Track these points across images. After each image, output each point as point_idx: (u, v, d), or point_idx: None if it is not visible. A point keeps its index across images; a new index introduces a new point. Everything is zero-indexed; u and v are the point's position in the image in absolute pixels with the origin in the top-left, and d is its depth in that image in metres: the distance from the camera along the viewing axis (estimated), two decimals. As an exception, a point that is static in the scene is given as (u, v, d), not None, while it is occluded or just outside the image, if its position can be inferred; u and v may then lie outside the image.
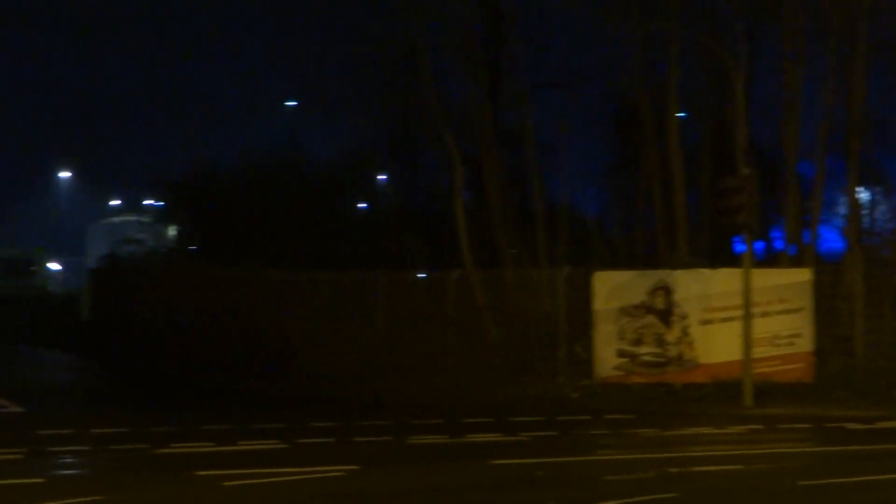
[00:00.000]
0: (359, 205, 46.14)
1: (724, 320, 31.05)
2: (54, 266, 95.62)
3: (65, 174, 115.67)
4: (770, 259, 35.10)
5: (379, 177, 46.19)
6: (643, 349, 31.64)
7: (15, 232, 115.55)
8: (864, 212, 36.44)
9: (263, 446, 22.93)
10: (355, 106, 37.54)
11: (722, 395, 29.95)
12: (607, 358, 31.89)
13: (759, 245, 34.53)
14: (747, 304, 29.47)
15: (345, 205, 44.37)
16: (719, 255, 33.49)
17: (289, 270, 37.90)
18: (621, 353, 31.84)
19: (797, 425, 26.37)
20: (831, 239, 36.43)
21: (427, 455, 22.33)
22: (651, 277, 31.95)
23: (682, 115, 35.50)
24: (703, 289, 31.61)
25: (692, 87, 36.23)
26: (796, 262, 33.00)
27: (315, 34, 37.55)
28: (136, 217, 78.93)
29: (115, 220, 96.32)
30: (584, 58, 37.37)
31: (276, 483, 18.86)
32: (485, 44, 36.94)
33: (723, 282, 31.18)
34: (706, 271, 31.81)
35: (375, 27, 36.48)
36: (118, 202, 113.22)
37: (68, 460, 21.70)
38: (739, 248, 31.19)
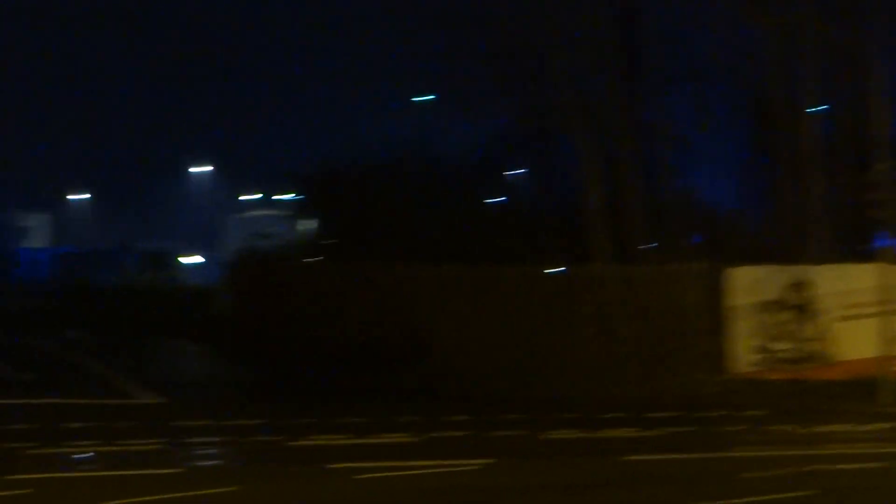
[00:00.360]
0: (492, 199, 46.03)
1: (863, 317, 30.51)
2: (191, 260, 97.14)
3: (202, 169, 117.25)
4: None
5: (512, 171, 46.03)
6: (779, 345, 31.24)
7: (154, 226, 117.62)
8: None
9: (397, 440, 23.03)
10: (489, 100, 37.50)
11: (858, 392, 29.46)
12: (743, 353, 31.53)
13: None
14: (885, 301, 28.93)
15: (478, 199, 44.28)
16: (855, 251, 32.90)
17: (422, 265, 37.94)
18: (757, 349, 31.47)
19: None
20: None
21: (561, 450, 22.25)
22: (789, 273, 31.52)
23: (818, 108, 34.91)
24: (842, 285, 31.10)
25: (828, 79, 35.58)
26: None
27: (450, 29, 37.56)
28: (270, 211, 79.89)
29: (251, 214, 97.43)
30: (718, 51, 36.87)
31: (409, 476, 18.94)
32: (619, 38, 36.64)
33: (862, 278, 30.64)
34: (846, 267, 31.29)
35: (510, 22, 36.37)
36: (253, 197, 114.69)
37: (206, 451, 21.99)
38: (879, 243, 30.62)
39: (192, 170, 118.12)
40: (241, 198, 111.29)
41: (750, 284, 32.04)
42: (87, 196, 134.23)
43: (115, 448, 21.60)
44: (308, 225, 50.26)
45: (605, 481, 18.81)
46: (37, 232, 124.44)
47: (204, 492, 17.33)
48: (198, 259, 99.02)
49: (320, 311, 41.36)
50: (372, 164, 44.19)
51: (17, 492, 17.23)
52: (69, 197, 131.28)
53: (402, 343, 37.16)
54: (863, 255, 32.06)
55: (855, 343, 30.60)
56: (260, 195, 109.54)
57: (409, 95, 47.86)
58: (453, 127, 43.36)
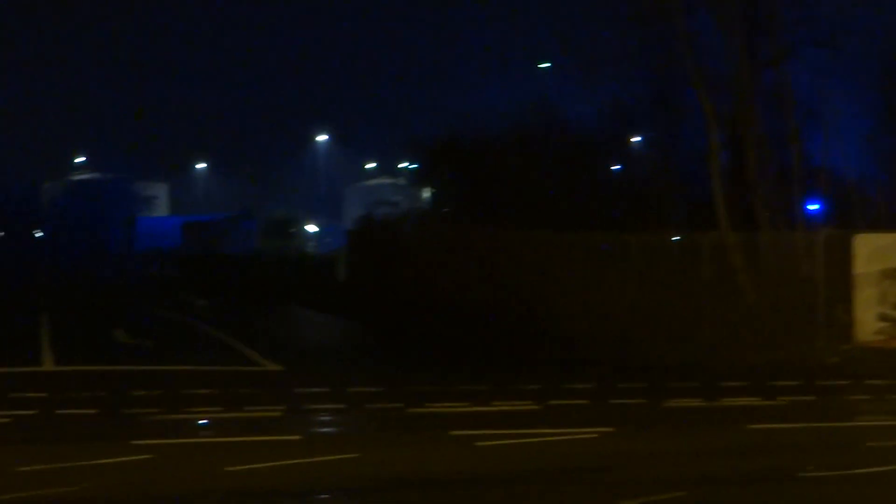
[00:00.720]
0: (614, 166, 45.73)
1: None
2: (312, 228, 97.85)
3: (323, 138, 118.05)
4: None
5: (634, 138, 45.68)
6: (905, 314, 30.65)
7: (276, 194, 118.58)
8: None
9: (517, 407, 22.94)
10: (612, 66, 37.16)
11: None
12: (868, 322, 31.00)
13: None
14: None
15: (600, 166, 44.03)
16: None
17: (543, 231, 37.84)
18: (883, 317, 30.92)
19: None
20: None
21: (682, 418, 22.03)
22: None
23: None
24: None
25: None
26: None
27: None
28: (391, 180, 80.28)
29: (371, 182, 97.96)
30: (847, 16, 36.14)
31: (530, 444, 18.84)
32: (743, 1, 36.05)
33: None
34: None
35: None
36: (374, 165, 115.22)
37: (325, 418, 22.06)
38: None
39: (313, 138, 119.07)
40: (363, 166, 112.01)
41: (875, 252, 31.50)
42: (205, 165, 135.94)
43: (235, 415, 21.77)
44: (427, 192, 50.40)
45: (728, 449, 18.57)
46: (158, 201, 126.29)
47: (325, 458, 17.37)
48: (316, 227, 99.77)
49: (439, 278, 41.41)
50: (492, 131, 44.09)
51: (139, 457, 17.43)
52: (193, 165, 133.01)
53: (521, 310, 37.09)
54: None
55: None
56: (379, 164, 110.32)
57: (531, 62, 47.67)
58: (576, 93, 43.09)
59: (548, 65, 48.29)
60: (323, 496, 15.55)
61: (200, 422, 21.29)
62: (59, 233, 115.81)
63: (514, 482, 16.20)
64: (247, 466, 16.71)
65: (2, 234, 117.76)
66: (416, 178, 52.85)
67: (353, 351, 36.25)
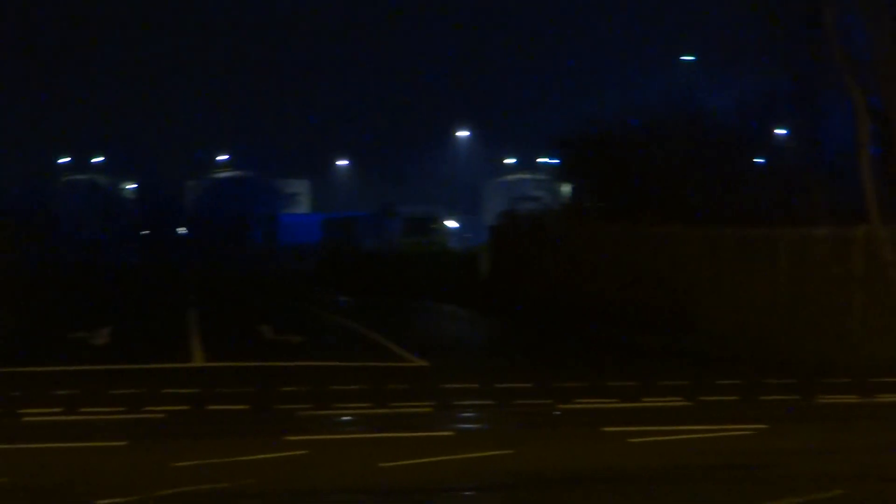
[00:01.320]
0: (757, 159, 45.10)
1: None
2: (452, 223, 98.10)
3: (463, 134, 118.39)
4: None
5: (778, 131, 45.01)
6: None
7: (415, 190, 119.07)
8: None
9: (667, 403, 22.73)
10: (757, 58, 36.63)
11: None
12: None
13: None
14: None
15: (743, 159, 43.44)
16: None
17: (686, 226, 37.47)
18: None
19: None
20: None
21: (837, 415, 21.65)
22: None
23: None
24: None
25: None
26: None
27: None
28: (531, 175, 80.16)
29: (511, 177, 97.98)
30: None
31: (682, 440, 18.65)
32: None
33: None
34: None
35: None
36: (513, 160, 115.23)
37: (475, 414, 22.05)
38: None
39: (453, 134, 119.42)
40: (503, 161, 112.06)
41: None
42: (346, 162, 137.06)
43: (384, 410, 21.85)
44: (568, 187, 50.18)
45: (885, 446, 18.19)
46: (299, 198, 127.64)
47: (478, 454, 17.36)
48: (455, 224, 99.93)
49: (581, 273, 41.27)
50: (634, 125, 43.74)
51: (293, 452, 17.58)
52: (334, 162, 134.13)
53: (664, 305, 36.79)
54: None
55: None
56: (520, 159, 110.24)
57: (673, 55, 47.26)
58: (719, 85, 42.59)
59: (691, 58, 47.84)
60: (477, 492, 15.54)
61: (352, 417, 21.40)
62: (202, 230, 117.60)
63: (668, 478, 16.06)
64: (400, 462, 16.76)
65: (146, 232, 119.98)
66: (557, 173, 52.59)
67: (497, 347, 36.24)
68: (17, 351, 33.22)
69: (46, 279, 57.48)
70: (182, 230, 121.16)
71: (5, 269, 42.66)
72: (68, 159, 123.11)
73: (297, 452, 17.57)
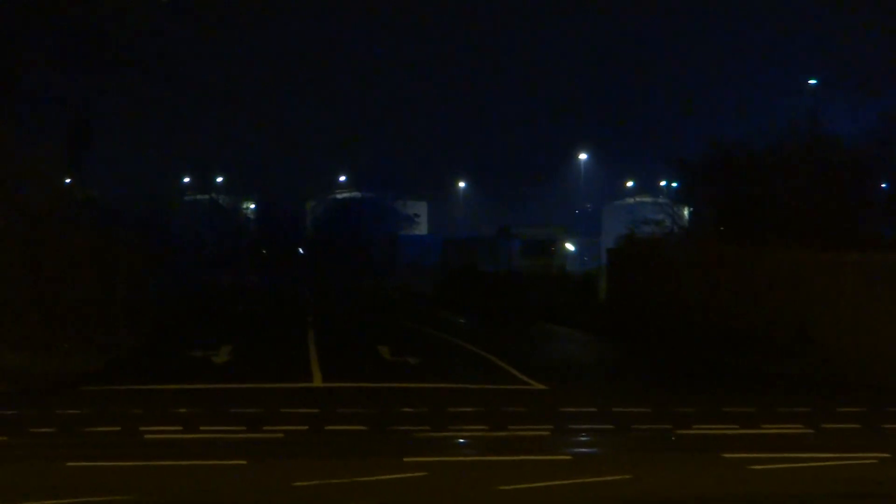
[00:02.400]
0: (881, 184, 44.48)
1: None
2: (570, 246, 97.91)
3: (582, 156, 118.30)
4: None
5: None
6: None
7: (533, 212, 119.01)
8: None
9: (788, 430, 22.46)
10: (882, 81, 36.18)
11: None
12: None
13: None
14: None
15: (867, 184, 42.85)
16: None
17: (805, 249, 37.06)
18: None
19: None
20: None
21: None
22: None
23: None
24: None
25: None
26: None
27: (838, 9, 36.45)
28: (650, 198, 79.56)
29: (630, 201, 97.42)
30: None
31: (804, 468, 18.42)
32: None
33: None
34: None
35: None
36: (632, 183, 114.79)
37: (592, 438, 21.94)
38: None
39: (573, 156, 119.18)
40: (622, 184, 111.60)
41: None
42: (465, 184, 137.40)
43: (502, 433, 21.83)
44: (687, 211, 49.86)
45: None
46: (419, 219, 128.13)
47: (595, 479, 17.30)
48: (573, 247, 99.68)
49: (700, 296, 40.95)
50: (754, 148, 43.37)
51: (413, 474, 17.64)
52: (453, 184, 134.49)
53: (783, 329, 36.40)
54: None
55: None
56: (637, 182, 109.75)
57: (796, 78, 46.81)
58: (843, 109, 42.09)
59: (814, 82, 47.30)
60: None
61: (469, 439, 21.42)
62: (322, 250, 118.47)
63: (790, 508, 15.87)
64: (519, 486, 16.74)
65: (266, 251, 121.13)
66: (677, 197, 52.28)
67: (615, 370, 36.01)
68: (138, 369, 33.70)
69: (167, 298, 58.22)
70: (301, 250, 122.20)
71: (127, 287, 43.29)
72: (189, 179, 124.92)
73: (416, 474, 17.63)
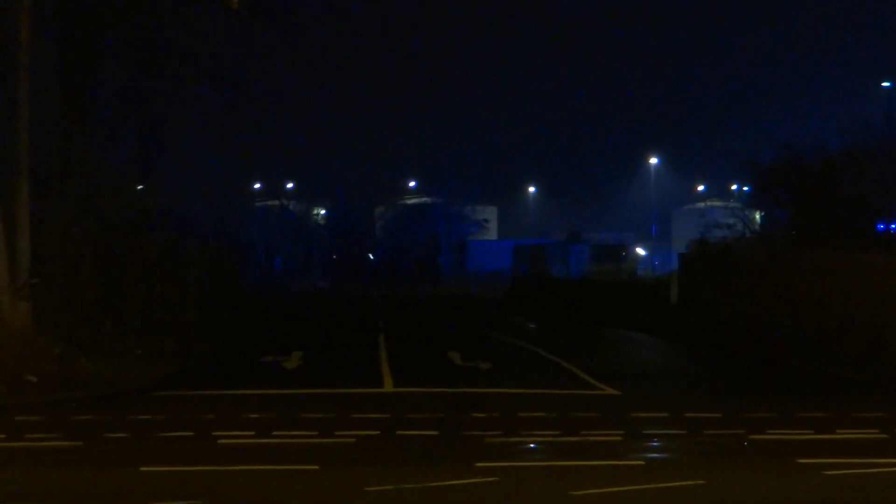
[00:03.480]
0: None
1: None
2: (641, 251, 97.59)
3: (653, 161, 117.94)
4: None
5: None
6: None
7: (604, 217, 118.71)
8: None
9: (863, 435, 22.25)
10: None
11: None
12: None
13: None
14: None
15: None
16: None
17: (884, 254, 36.69)
18: None
19: None
20: None
21: None
22: None
23: None
24: None
25: None
26: None
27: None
28: (721, 202, 79.18)
29: (701, 205, 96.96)
30: None
31: (881, 473, 18.23)
32: None
33: None
34: None
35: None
36: (704, 187, 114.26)
37: (665, 444, 21.84)
38: None
39: (644, 161, 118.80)
40: (693, 188, 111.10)
41: None
42: (535, 188, 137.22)
43: (573, 438, 21.78)
44: (759, 215, 49.56)
45: None
46: (489, 224, 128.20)
47: (670, 484, 17.21)
48: (644, 251, 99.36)
49: (772, 301, 40.66)
50: (829, 150, 43.01)
51: (484, 479, 17.63)
52: (524, 188, 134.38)
53: (858, 334, 36.05)
54: None
55: None
56: (709, 186, 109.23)
57: (868, 79, 46.45)
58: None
59: (888, 84, 46.84)
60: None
61: (541, 444, 21.39)
62: (392, 255, 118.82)
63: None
64: (591, 491, 16.69)
65: (336, 257, 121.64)
66: (749, 201, 51.98)
67: (687, 376, 35.81)
68: (210, 375, 33.94)
69: (240, 304, 58.59)
70: (371, 256, 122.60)
71: (199, 294, 43.63)
72: (259, 185, 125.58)
73: (488, 479, 17.61)
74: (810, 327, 38.16)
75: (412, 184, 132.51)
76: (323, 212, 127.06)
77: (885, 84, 47.77)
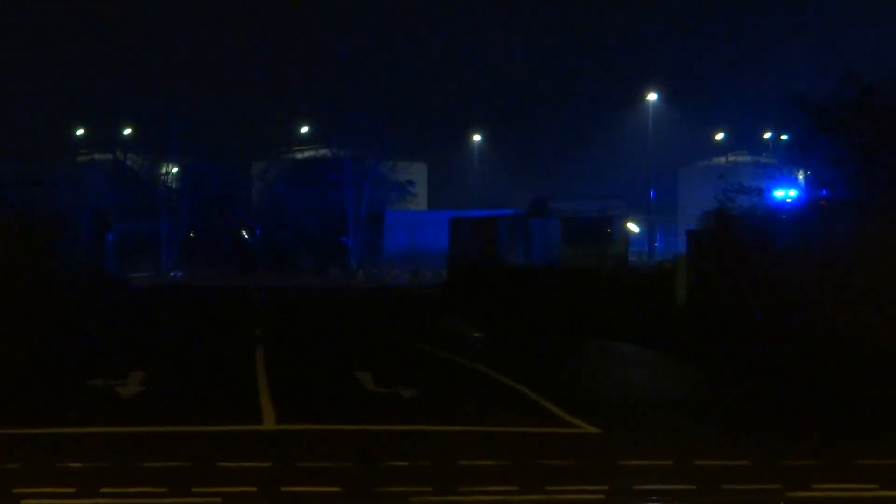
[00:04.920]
0: None
1: None
2: (633, 227, 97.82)
3: (651, 97, 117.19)
4: None
5: None
6: None
7: (580, 179, 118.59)
8: None
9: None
10: None
11: None
12: None
13: None
14: None
15: None
16: None
17: None
18: None
19: None
20: None
21: None
22: None
23: None
24: None
25: None
26: None
27: None
28: (749, 157, 79.61)
29: (721, 160, 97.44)
30: None
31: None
32: None
33: None
34: None
35: None
36: (721, 135, 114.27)
37: (667, 504, 22.00)
38: None
39: (638, 99, 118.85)
40: (709, 138, 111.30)
41: None
42: (479, 138, 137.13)
43: (537, 497, 21.87)
44: (803, 174, 49.92)
45: None
46: (414, 188, 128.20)
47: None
48: (637, 227, 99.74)
49: (824, 295, 40.84)
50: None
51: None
52: (463, 140, 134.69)
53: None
54: None
55: None
56: (730, 134, 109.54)
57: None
58: None
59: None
60: None
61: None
62: (275, 233, 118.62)
63: None
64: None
65: (193, 235, 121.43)
66: (788, 154, 52.39)
67: (698, 405, 35.97)
68: (13, 405, 33.71)
69: (55, 301, 58.28)
70: (246, 234, 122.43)
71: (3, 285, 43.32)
72: (83, 131, 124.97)
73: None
74: (882, 335, 38.37)
75: (305, 129, 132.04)
76: (175, 169, 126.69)
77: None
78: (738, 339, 44.31)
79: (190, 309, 71.25)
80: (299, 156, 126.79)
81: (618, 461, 25.30)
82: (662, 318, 52.04)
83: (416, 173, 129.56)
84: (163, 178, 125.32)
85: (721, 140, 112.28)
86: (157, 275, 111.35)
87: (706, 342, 46.13)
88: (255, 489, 22.37)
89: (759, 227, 46.49)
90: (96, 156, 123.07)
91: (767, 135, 78.42)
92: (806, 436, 29.81)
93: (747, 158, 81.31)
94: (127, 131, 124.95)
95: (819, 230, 43.67)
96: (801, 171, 51.62)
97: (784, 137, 56.78)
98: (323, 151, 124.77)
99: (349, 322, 62.70)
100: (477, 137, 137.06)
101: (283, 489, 22.43)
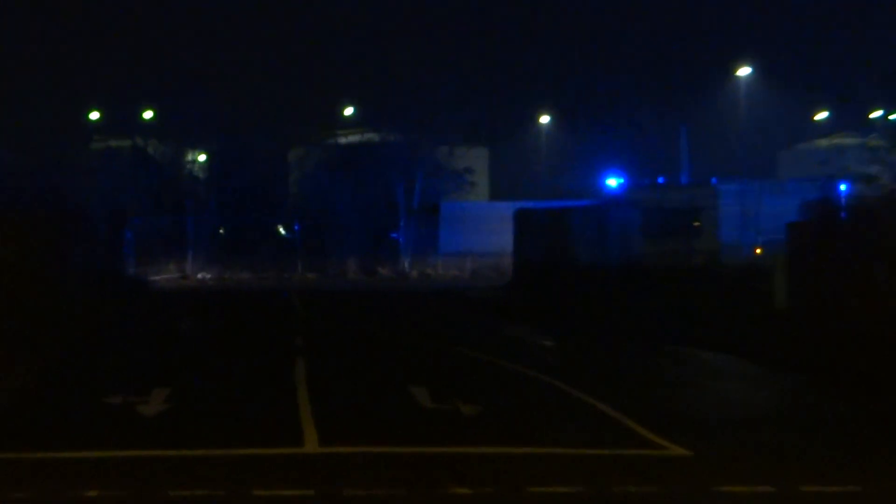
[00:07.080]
0: None
1: None
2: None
3: (744, 71, 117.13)
4: None
5: None
6: None
7: (664, 164, 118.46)
8: None
9: None
10: None
11: None
12: None
13: None
14: None
15: None
16: None
17: None
18: None
19: None
20: None
21: None
22: None
23: None
24: None
25: None
26: None
27: None
28: (858, 138, 79.33)
29: (824, 142, 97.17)
30: None
31: None
32: None
33: None
34: None
35: None
36: (826, 115, 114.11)
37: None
38: None
39: (732, 73, 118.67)
40: (810, 117, 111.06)
41: None
42: (550, 120, 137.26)
43: (619, 530, 21.81)
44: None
45: None
46: (473, 176, 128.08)
47: None
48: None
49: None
50: None
51: None
52: (531, 123, 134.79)
53: None
54: None
55: None
56: (836, 113, 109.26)
57: None
58: None
59: None
60: None
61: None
62: (315, 228, 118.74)
63: None
64: None
65: (221, 231, 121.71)
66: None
67: (805, 422, 35.84)
68: (23, 426, 33.79)
69: (67, 307, 58.50)
70: (283, 230, 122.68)
71: (11, 291, 43.55)
72: (98, 115, 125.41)
73: None
74: None
75: (349, 110, 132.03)
76: (202, 158, 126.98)
77: None
78: (847, 348, 44.09)
79: (220, 315, 71.45)
80: (343, 141, 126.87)
81: (711, 487, 25.25)
82: (758, 323, 51.88)
83: (476, 160, 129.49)
84: (188, 167, 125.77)
85: (823, 119, 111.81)
86: (183, 276, 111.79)
87: (810, 351, 45.93)
88: (295, 520, 22.36)
89: (872, 219, 46.19)
90: (113, 143, 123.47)
91: (876, 113, 77.98)
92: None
93: (854, 140, 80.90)
94: (148, 115, 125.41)
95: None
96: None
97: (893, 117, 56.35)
98: (370, 136, 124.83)
99: (401, 329, 62.72)
100: (545, 119, 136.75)
101: (328, 521, 22.42)
